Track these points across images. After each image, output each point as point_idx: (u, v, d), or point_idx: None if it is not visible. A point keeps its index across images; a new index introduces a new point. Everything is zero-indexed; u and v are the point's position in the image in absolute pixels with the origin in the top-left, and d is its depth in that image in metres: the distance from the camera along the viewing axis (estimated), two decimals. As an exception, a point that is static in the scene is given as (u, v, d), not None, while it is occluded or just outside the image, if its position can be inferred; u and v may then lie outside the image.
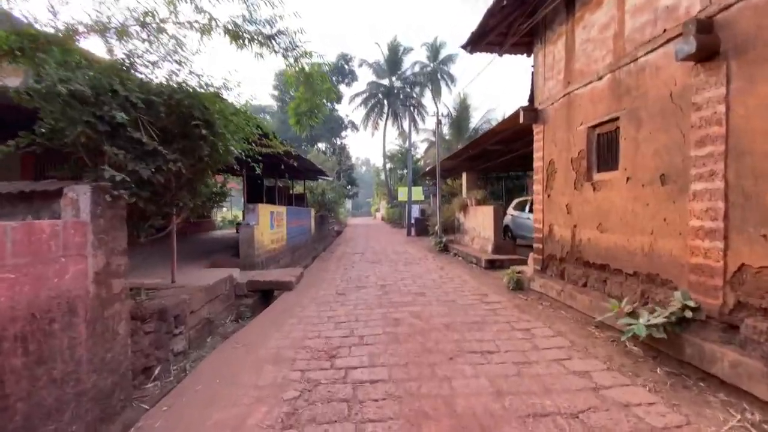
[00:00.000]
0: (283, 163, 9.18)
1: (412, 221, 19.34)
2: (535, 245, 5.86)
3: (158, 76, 3.47)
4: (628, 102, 3.91)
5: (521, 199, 11.87)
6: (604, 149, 4.42)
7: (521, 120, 5.79)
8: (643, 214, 3.70)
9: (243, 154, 4.24)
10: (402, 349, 3.71)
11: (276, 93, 34.78)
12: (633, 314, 3.55)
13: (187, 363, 4.12)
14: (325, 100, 8.44)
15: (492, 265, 7.89)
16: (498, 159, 10.40)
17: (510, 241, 8.79)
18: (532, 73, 5.97)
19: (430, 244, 13.35)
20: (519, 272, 6.07)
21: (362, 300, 5.73)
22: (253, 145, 4.47)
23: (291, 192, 16.71)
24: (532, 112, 5.76)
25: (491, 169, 13.77)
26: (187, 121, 3.23)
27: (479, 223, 9.63)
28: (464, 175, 12.18)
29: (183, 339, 4.42)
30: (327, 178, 15.71)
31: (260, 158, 5.20)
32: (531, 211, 10.53)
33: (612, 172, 4.22)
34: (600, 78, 4.34)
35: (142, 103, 2.90)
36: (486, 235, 9.11)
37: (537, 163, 5.76)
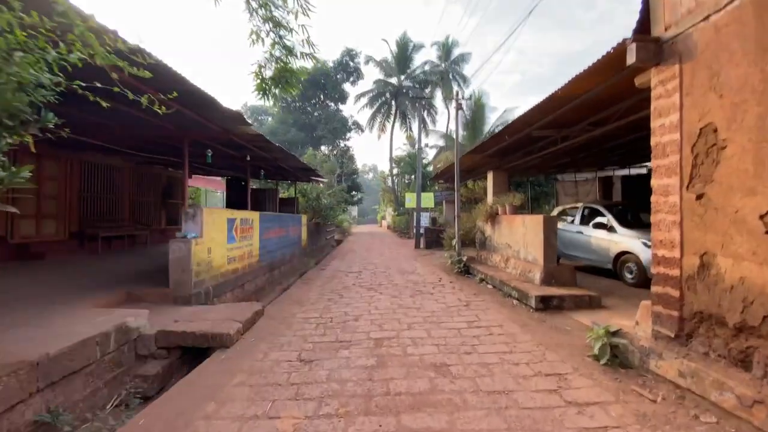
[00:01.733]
0: (249, 151, 6.76)
1: (422, 231, 16.71)
2: (656, 289, 3.20)
3: None
4: None
5: (568, 206, 9.18)
6: None
7: (631, 59, 3.19)
8: None
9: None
10: None
11: (276, 91, 32.55)
12: None
13: None
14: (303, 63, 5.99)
15: (546, 304, 5.22)
16: (542, 152, 7.77)
17: (567, 266, 6.13)
18: (646, -19, 3.38)
19: (444, 261, 10.69)
20: (615, 333, 3.42)
21: (336, 383, 3.13)
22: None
23: (278, 196, 14.26)
24: (651, 44, 3.17)
25: (524, 170, 11.09)
26: None
27: (518, 238, 6.98)
28: (490, 176, 9.54)
29: None
30: (321, 179, 13.21)
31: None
32: (584, 222, 7.86)
33: None
34: None
35: None
36: (530, 256, 6.45)
37: (662, 138, 3.14)
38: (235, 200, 14.25)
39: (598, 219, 7.52)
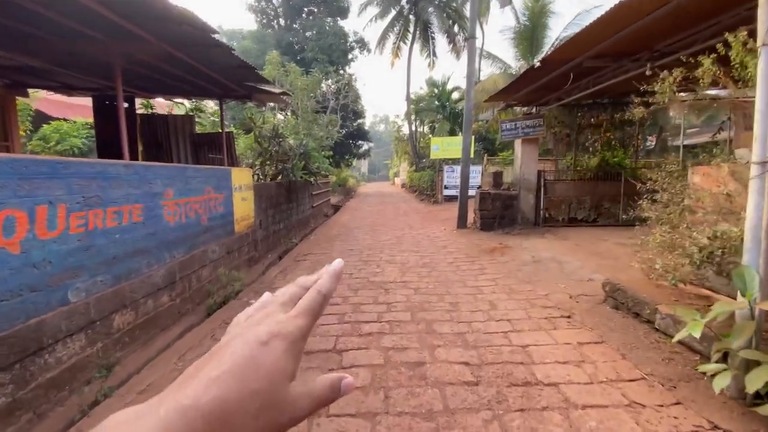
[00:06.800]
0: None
1: (470, 196, 9.31)
2: None
3: None
4: None
5: None
6: None
7: None
8: None
9: None
10: None
11: (254, 2, 23.87)
12: None
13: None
14: None
15: None
16: None
17: None
18: None
19: (625, 326, 3.48)
20: None
21: None
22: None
23: (194, 129, 6.91)
24: None
25: None
26: None
27: None
28: None
29: None
30: (271, 89, 5.77)
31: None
32: None
33: None
34: None
35: None
36: None
37: None
38: (107, 136, 7.05)
39: None
